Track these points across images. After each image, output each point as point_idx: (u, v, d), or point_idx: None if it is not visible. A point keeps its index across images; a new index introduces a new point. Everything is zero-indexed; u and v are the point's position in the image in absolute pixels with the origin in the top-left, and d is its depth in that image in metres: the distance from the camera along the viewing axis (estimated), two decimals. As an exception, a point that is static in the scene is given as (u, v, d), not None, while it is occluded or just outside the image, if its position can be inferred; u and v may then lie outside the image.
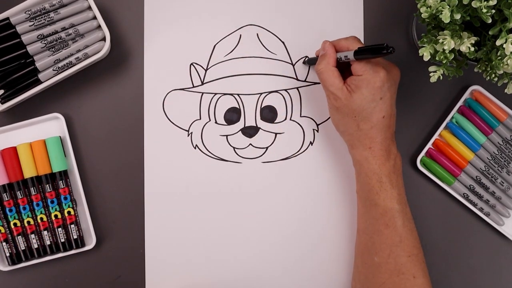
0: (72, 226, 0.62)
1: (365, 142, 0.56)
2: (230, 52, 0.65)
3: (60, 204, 0.62)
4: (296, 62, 0.65)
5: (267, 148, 0.65)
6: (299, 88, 0.65)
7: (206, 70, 0.64)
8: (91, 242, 0.63)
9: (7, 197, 0.61)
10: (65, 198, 0.62)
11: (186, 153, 0.64)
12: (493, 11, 0.47)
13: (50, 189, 0.62)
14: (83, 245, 0.63)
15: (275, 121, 0.65)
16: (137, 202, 0.64)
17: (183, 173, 0.64)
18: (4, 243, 0.61)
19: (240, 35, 0.65)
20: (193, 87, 0.64)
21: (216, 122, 0.64)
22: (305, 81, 0.65)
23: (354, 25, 0.65)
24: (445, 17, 0.48)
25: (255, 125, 0.64)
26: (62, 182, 0.62)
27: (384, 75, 0.55)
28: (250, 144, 0.65)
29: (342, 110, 0.56)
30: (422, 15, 0.51)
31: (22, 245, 0.62)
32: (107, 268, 0.64)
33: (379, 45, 0.51)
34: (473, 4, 0.47)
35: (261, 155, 0.65)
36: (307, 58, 0.64)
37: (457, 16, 0.48)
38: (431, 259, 0.65)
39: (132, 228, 0.64)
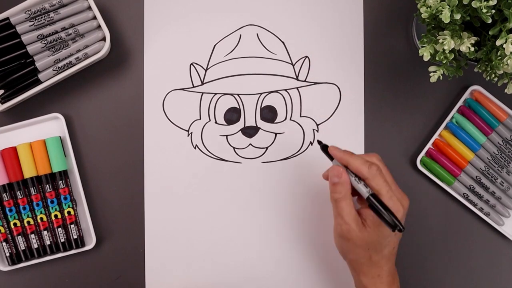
0: (72, 226, 0.62)
1: (374, 271, 0.56)
2: (230, 52, 0.65)
3: (60, 204, 0.62)
4: (296, 62, 0.65)
5: (267, 148, 0.65)
6: (299, 88, 0.65)
7: (206, 70, 0.65)
8: (91, 242, 0.63)
9: (7, 197, 0.61)
10: (65, 198, 0.62)
11: (186, 153, 0.64)
12: (493, 11, 0.47)
13: (50, 189, 0.62)
14: (83, 245, 0.63)
15: (275, 121, 0.65)
16: (137, 202, 0.64)
17: (183, 173, 0.64)
18: (4, 243, 0.61)
19: (240, 35, 0.65)
20: (193, 87, 0.64)
21: (216, 122, 0.64)
22: (305, 81, 0.65)
23: (354, 25, 0.65)
24: (445, 17, 0.48)
25: (255, 125, 0.64)
26: (62, 182, 0.62)
27: (402, 214, 0.53)
28: (250, 144, 0.65)
29: (354, 241, 0.55)
30: (422, 15, 0.51)
31: (22, 245, 0.62)
32: (107, 268, 0.64)
33: (393, 221, 0.51)
34: (473, 4, 0.47)
35: (261, 155, 0.65)
36: (321, 144, 0.58)
37: (457, 16, 0.48)
38: (431, 259, 0.65)
39: (132, 228, 0.64)
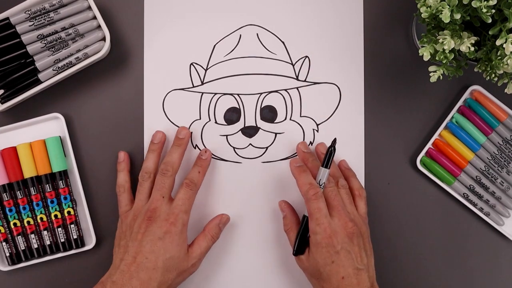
0: (72, 226, 0.62)
1: None
2: (230, 52, 0.65)
3: (60, 204, 0.62)
4: (296, 62, 0.65)
5: (267, 148, 0.65)
6: (299, 88, 0.65)
7: (206, 70, 0.65)
8: (91, 242, 0.63)
9: (7, 197, 0.61)
10: (65, 198, 0.62)
11: (186, 153, 0.64)
12: (493, 11, 0.47)
13: (50, 189, 0.62)
14: (83, 245, 0.63)
15: (275, 121, 0.65)
16: (137, 202, 0.64)
17: (183, 173, 0.64)
18: (4, 243, 0.61)
19: (240, 35, 0.65)
20: (193, 87, 0.64)
21: (216, 122, 0.64)
22: (305, 81, 0.65)
23: (354, 25, 0.65)
24: (445, 17, 0.48)
25: (255, 125, 0.64)
26: (62, 182, 0.62)
27: (336, 238, 0.53)
28: (250, 144, 0.65)
29: (305, 270, 0.57)
30: (422, 15, 0.51)
31: (22, 245, 0.62)
32: (107, 268, 0.63)
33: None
34: (473, 4, 0.47)
35: (261, 155, 0.65)
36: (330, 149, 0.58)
37: (457, 16, 0.48)
38: (431, 259, 0.65)
39: (132, 228, 0.64)
